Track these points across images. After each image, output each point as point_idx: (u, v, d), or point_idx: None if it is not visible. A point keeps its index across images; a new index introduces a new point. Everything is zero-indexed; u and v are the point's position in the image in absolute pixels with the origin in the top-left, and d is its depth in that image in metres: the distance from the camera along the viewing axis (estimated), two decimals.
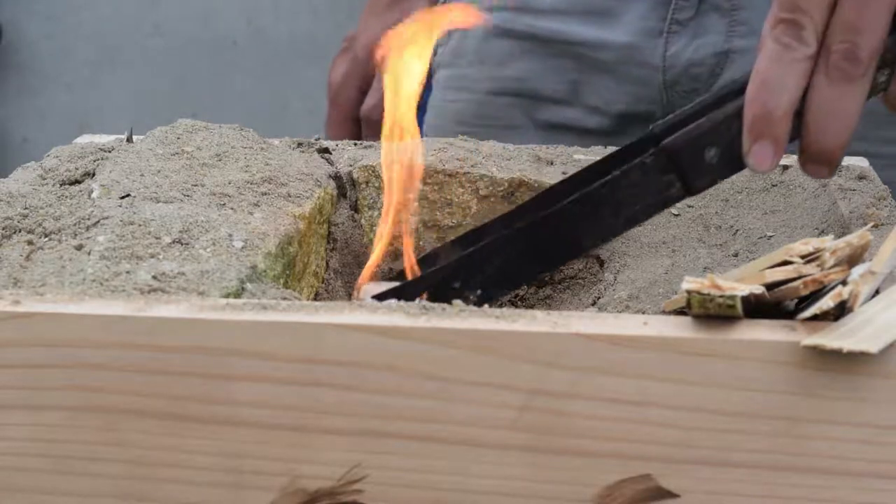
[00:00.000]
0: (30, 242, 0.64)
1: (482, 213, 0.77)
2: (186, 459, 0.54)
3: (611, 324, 0.53)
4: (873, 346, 0.50)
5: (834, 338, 0.51)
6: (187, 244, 0.63)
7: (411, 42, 0.69)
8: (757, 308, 0.54)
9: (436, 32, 0.69)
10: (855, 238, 0.56)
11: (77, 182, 0.72)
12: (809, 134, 0.64)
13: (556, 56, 1.03)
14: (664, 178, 0.65)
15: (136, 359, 0.53)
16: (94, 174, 0.72)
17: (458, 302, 0.54)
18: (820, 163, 0.65)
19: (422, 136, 0.71)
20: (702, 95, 0.80)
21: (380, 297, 0.65)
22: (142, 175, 0.71)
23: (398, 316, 0.53)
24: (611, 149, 0.84)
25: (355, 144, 0.83)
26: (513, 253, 0.66)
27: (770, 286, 0.53)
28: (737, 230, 0.75)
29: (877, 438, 0.52)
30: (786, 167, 0.80)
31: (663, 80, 1.00)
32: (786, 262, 0.54)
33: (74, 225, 0.65)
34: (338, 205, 0.78)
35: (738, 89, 0.64)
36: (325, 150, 0.81)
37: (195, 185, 0.70)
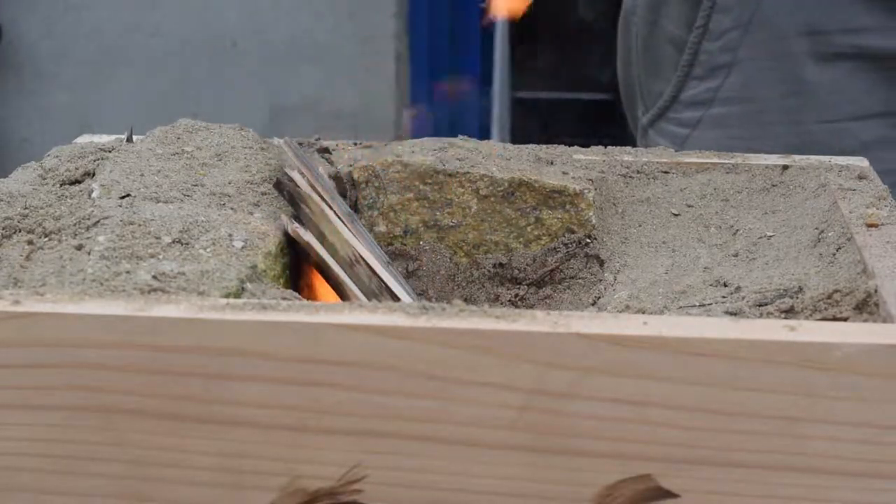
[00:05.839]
0: (30, 242, 0.64)
1: (482, 213, 0.77)
2: (186, 459, 0.54)
3: (611, 324, 0.53)
4: None
5: None
6: (187, 244, 0.63)
7: None
8: None
9: None
10: None
11: (77, 182, 0.72)
12: None
13: None
14: None
15: (136, 359, 0.53)
16: (94, 174, 0.72)
17: (458, 302, 0.54)
18: None
19: None
20: None
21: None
22: (142, 175, 0.71)
23: (398, 316, 0.53)
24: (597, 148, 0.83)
25: (355, 144, 0.83)
26: None
27: None
28: (737, 230, 0.75)
29: (877, 438, 0.52)
30: (786, 167, 0.80)
31: None
32: None
33: (74, 225, 0.65)
34: None
35: None
36: (325, 150, 0.81)
37: (195, 185, 0.70)
